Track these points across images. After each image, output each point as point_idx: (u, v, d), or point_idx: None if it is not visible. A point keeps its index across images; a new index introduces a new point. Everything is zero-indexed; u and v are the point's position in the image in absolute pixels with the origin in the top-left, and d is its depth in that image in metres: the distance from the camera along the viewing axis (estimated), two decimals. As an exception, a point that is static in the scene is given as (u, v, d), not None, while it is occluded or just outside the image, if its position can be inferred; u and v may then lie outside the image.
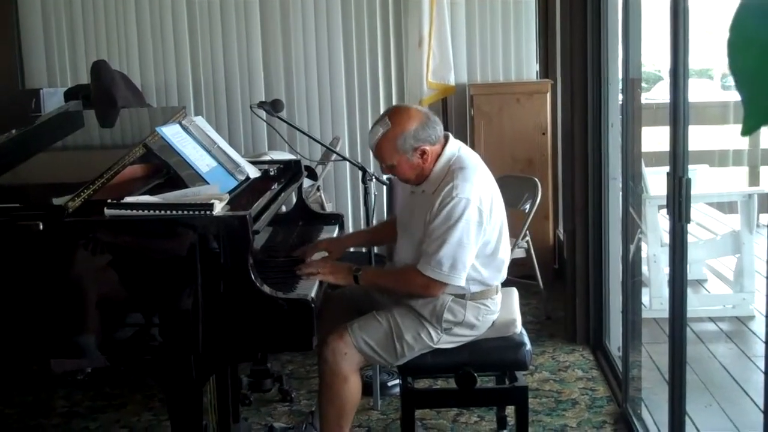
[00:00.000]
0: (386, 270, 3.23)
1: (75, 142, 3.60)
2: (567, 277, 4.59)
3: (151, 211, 2.47)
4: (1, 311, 2.49)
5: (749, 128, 0.78)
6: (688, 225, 2.75)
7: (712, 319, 4.88)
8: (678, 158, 2.69)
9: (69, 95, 5.12)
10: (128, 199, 2.53)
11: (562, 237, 5.37)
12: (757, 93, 0.76)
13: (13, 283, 2.49)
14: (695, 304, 4.94)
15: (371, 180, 3.72)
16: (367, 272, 2.97)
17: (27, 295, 2.48)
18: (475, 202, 2.78)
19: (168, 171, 2.97)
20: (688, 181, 2.63)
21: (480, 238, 2.82)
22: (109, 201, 2.48)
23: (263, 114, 3.79)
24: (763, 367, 3.84)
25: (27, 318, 2.48)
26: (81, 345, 2.49)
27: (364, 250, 3.87)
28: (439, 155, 2.88)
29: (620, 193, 3.96)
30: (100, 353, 2.51)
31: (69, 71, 5.85)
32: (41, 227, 2.40)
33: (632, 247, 3.78)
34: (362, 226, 4.66)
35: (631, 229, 3.80)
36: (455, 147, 2.92)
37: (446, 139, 2.92)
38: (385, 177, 3.90)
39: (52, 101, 5.25)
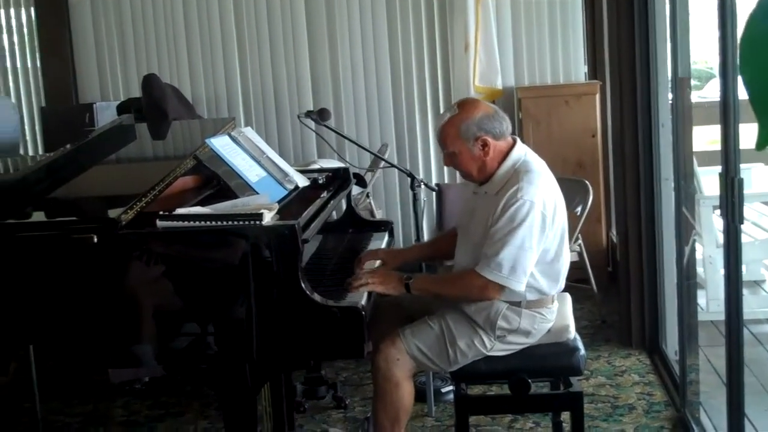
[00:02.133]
0: (440, 276, 3.19)
1: (128, 155, 3.66)
2: (621, 280, 4.53)
3: (202, 222, 2.51)
4: (60, 323, 2.55)
5: (764, 142, 0.71)
6: (744, 225, 2.70)
7: (771, 321, 4.78)
8: (729, 157, 2.64)
9: (121, 109, 5.21)
10: (180, 211, 2.56)
11: (615, 239, 5.31)
12: None
13: (70, 296, 2.54)
14: (753, 305, 4.84)
15: (420, 186, 3.72)
16: (419, 280, 2.90)
17: (84, 306, 2.53)
18: (539, 206, 2.75)
19: (218, 182, 3.00)
20: (741, 180, 2.58)
21: (542, 243, 2.79)
22: (161, 213, 2.52)
23: (311, 123, 3.81)
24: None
25: (85, 329, 2.53)
26: (138, 355, 2.53)
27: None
28: (504, 156, 2.86)
29: (673, 193, 3.91)
30: (156, 363, 2.55)
31: (121, 85, 5.97)
32: (95, 240, 2.45)
33: (687, 249, 3.72)
34: (412, 232, 4.65)
35: (685, 230, 3.74)
36: (522, 151, 2.90)
37: (514, 141, 2.91)
38: (434, 183, 3.89)
39: (106, 115, 5.35)
